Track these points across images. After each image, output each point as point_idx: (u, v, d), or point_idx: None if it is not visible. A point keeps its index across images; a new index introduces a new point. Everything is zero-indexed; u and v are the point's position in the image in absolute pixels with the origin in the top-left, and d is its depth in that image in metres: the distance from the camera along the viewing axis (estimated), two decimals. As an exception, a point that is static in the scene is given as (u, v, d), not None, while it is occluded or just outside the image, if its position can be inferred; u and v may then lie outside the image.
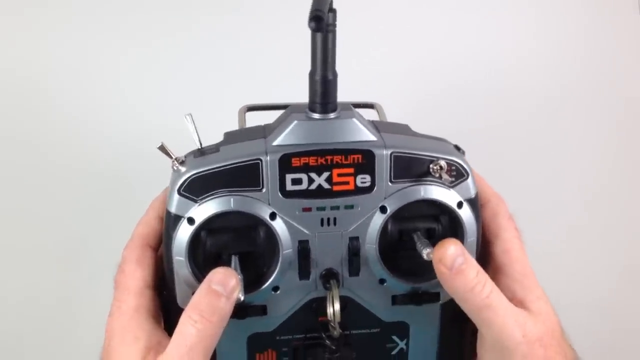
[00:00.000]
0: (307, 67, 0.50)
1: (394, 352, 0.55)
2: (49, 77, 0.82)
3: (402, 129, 0.54)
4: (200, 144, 0.51)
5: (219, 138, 0.54)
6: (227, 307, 0.47)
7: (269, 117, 0.55)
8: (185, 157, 0.50)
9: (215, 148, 0.50)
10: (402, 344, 0.55)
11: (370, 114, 0.60)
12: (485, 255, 0.54)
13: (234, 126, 0.58)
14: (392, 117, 0.61)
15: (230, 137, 0.52)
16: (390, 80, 0.84)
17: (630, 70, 0.97)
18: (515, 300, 0.51)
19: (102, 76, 0.85)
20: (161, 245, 0.53)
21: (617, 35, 0.95)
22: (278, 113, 0.54)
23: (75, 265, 0.81)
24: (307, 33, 0.48)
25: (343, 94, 0.52)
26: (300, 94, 0.55)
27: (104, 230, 0.77)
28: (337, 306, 0.50)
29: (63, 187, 0.84)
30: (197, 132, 0.51)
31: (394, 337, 0.55)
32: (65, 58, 0.83)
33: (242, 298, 0.47)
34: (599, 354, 0.74)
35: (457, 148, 0.53)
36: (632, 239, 1.01)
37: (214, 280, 0.47)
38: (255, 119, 0.59)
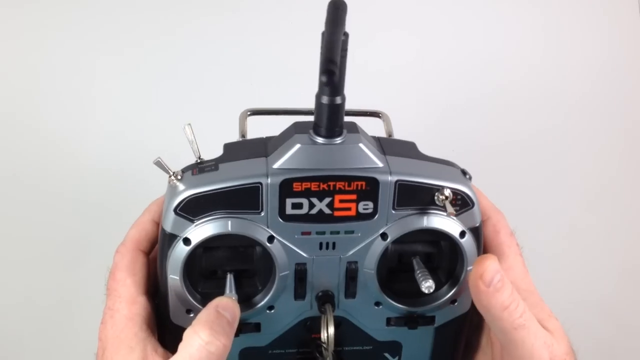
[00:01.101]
0: (311, 70, 0.48)
1: None
2: (48, 77, 0.80)
3: (409, 150, 0.52)
4: (199, 157, 0.49)
5: (220, 142, 0.52)
6: (232, 333, 0.46)
7: (271, 122, 0.53)
8: (183, 172, 0.48)
9: (214, 165, 0.48)
10: None
11: (376, 123, 0.58)
12: None
13: (235, 130, 0.56)
14: (397, 125, 0.59)
15: (230, 152, 0.50)
16: (396, 87, 0.81)
17: (631, 70, 0.95)
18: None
19: (101, 78, 0.83)
20: (154, 249, 0.53)
21: (617, 35, 0.93)
22: (280, 118, 0.51)
23: (75, 266, 0.80)
24: (312, 36, 0.46)
25: (349, 102, 0.50)
26: (303, 99, 0.53)
27: (103, 231, 0.76)
28: (331, 330, 0.50)
29: (63, 188, 0.83)
30: (196, 142, 0.49)
31: (386, 355, 0.55)
32: (65, 60, 0.81)
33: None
34: (599, 354, 0.75)
35: (464, 173, 0.51)
36: (633, 240, 1.01)
37: (221, 306, 0.46)
38: (257, 123, 0.57)
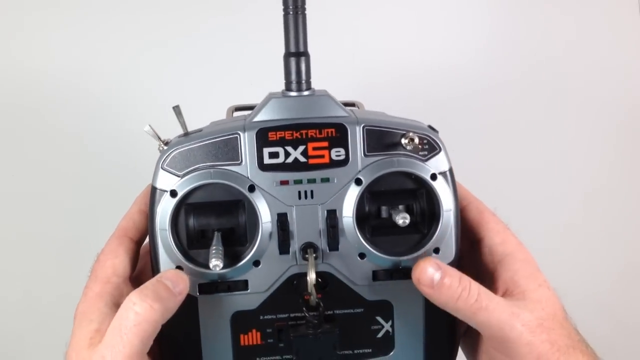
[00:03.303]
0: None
1: (379, 335, 0.54)
2: (46, 76, 0.86)
3: (377, 113, 0.56)
4: (186, 130, 0.54)
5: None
6: (171, 302, 0.48)
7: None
8: (172, 139, 0.54)
9: (199, 130, 0.54)
10: (387, 326, 0.54)
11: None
12: (483, 250, 0.55)
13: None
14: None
15: (215, 123, 0.55)
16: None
17: (631, 70, 0.97)
18: (518, 291, 0.52)
19: (101, 73, 0.88)
20: (143, 237, 0.56)
21: (617, 35, 0.96)
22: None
23: (75, 266, 0.81)
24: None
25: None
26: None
27: (104, 229, 0.78)
28: (312, 275, 0.50)
29: (63, 186, 0.86)
30: (184, 121, 0.55)
31: (379, 319, 0.54)
32: (65, 58, 0.87)
33: (220, 266, 0.49)
34: (598, 352, 0.70)
35: (431, 128, 0.55)
36: (631, 237, 0.98)
37: (164, 276, 0.49)
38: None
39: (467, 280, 0.50)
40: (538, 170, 0.95)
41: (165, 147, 0.52)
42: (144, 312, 0.46)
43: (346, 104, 0.64)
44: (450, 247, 0.53)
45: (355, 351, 0.55)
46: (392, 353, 0.55)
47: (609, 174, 0.97)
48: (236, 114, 0.63)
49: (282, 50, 0.53)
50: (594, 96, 0.96)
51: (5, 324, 0.87)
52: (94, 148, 0.88)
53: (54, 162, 0.87)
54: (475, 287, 0.50)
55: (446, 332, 0.55)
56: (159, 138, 0.53)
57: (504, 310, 0.49)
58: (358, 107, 0.64)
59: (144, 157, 0.64)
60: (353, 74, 0.86)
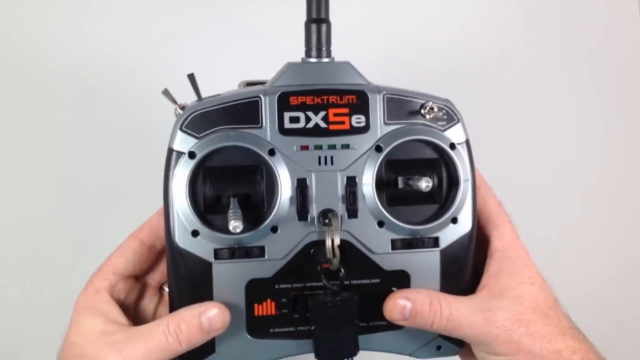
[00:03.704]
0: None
1: None
2: (46, 76, 0.84)
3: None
4: (201, 97, 0.53)
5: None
6: (200, 342, 0.50)
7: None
8: (188, 104, 0.53)
9: (216, 95, 0.53)
10: None
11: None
12: (482, 239, 0.56)
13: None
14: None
15: (231, 91, 0.55)
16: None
17: (630, 70, 0.99)
18: (496, 289, 0.53)
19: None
20: (157, 240, 0.56)
21: (617, 35, 0.98)
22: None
23: (76, 266, 0.79)
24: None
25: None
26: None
27: (105, 230, 0.76)
28: (337, 239, 0.50)
29: (63, 186, 0.84)
30: (198, 88, 0.54)
31: (395, 290, 0.54)
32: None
33: (240, 227, 0.48)
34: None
35: (449, 101, 0.56)
36: (631, 237, 0.99)
37: (206, 312, 0.50)
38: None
39: (437, 303, 0.52)
40: (537, 170, 0.96)
41: (182, 111, 0.51)
42: (172, 344, 0.49)
43: None
44: (467, 217, 0.54)
45: (371, 323, 0.54)
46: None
47: (607, 174, 0.98)
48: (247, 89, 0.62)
49: (297, 27, 0.54)
50: (593, 96, 0.97)
51: (5, 323, 0.83)
52: (96, 150, 0.86)
53: (53, 164, 0.84)
54: (447, 307, 0.52)
55: None
56: (175, 102, 0.52)
57: (477, 320, 0.52)
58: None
59: (148, 160, 0.63)
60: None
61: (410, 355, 0.56)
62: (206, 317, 0.50)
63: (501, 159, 0.87)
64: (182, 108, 0.52)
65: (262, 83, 0.60)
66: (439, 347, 0.55)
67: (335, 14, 0.56)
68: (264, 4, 0.88)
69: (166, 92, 0.52)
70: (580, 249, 0.97)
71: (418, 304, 0.51)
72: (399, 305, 0.51)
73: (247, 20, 0.89)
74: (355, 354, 0.52)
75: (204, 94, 0.53)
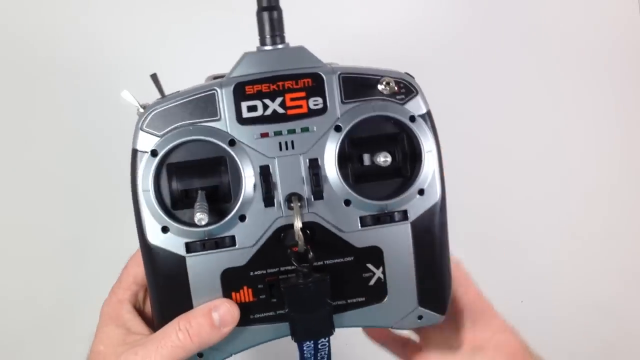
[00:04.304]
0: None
1: (371, 283, 0.54)
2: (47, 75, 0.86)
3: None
4: (164, 95, 0.54)
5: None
6: (213, 338, 0.52)
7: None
8: (149, 103, 0.54)
9: (176, 91, 0.54)
10: (378, 273, 0.54)
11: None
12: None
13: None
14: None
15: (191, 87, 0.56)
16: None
17: (630, 70, 0.98)
18: (476, 343, 0.58)
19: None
20: None
21: (617, 35, 0.97)
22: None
23: (76, 265, 0.81)
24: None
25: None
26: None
27: (104, 230, 0.78)
28: (299, 224, 0.50)
29: (63, 186, 0.86)
30: (161, 87, 0.55)
31: (369, 266, 0.54)
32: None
33: (205, 220, 0.49)
34: (599, 355, 0.71)
35: (408, 75, 0.55)
36: (633, 240, 0.98)
37: (217, 307, 0.52)
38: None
39: None
40: (537, 174, 0.96)
41: (143, 111, 0.53)
42: (183, 340, 0.51)
43: None
44: (434, 188, 0.54)
45: (349, 300, 0.54)
46: (385, 299, 0.54)
47: (610, 178, 0.97)
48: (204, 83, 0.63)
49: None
50: (594, 97, 0.97)
51: (5, 324, 0.86)
52: (95, 150, 0.88)
53: (53, 164, 0.87)
54: None
55: (439, 272, 0.55)
56: (137, 103, 0.53)
57: None
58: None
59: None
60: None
61: (392, 327, 0.56)
62: (216, 313, 0.52)
63: (501, 159, 0.87)
64: (144, 107, 0.53)
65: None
66: (420, 317, 0.56)
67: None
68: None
69: (126, 95, 0.53)
70: (580, 248, 0.96)
71: None
72: None
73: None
74: (331, 333, 0.53)
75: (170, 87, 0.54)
